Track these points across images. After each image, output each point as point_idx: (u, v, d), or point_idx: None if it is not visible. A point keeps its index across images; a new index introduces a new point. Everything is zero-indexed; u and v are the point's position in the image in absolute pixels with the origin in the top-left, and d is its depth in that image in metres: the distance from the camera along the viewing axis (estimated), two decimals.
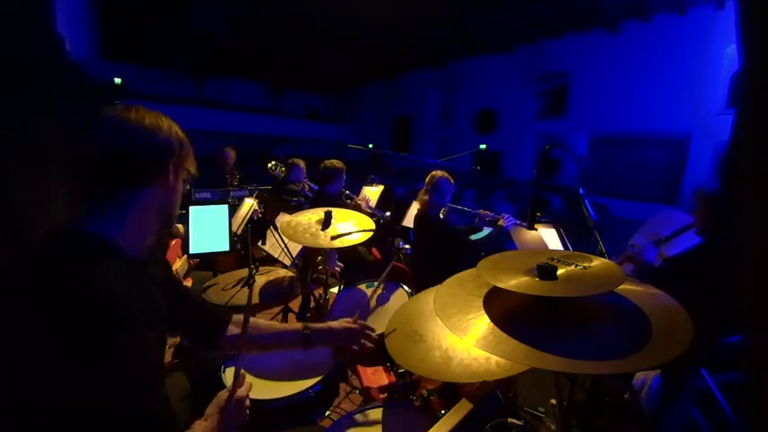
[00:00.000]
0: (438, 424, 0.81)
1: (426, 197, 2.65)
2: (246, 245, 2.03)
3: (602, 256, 1.48)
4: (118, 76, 9.15)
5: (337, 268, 2.19)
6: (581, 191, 1.97)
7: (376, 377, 1.56)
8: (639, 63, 8.90)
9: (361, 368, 1.63)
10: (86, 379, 0.63)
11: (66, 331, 0.62)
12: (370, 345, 1.15)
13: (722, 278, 1.15)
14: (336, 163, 3.17)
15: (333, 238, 1.77)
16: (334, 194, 3.18)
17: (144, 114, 0.76)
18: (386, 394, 1.49)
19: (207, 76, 12.99)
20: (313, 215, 1.94)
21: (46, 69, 1.40)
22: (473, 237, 2.77)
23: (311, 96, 16.34)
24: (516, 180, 10.79)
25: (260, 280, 1.96)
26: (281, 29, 9.74)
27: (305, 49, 10.94)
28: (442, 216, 2.74)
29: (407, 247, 3.48)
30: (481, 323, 0.82)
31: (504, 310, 0.85)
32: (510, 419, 1.08)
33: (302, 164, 4.00)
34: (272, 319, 2.73)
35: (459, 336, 0.80)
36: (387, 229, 3.19)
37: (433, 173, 2.67)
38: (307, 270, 2.39)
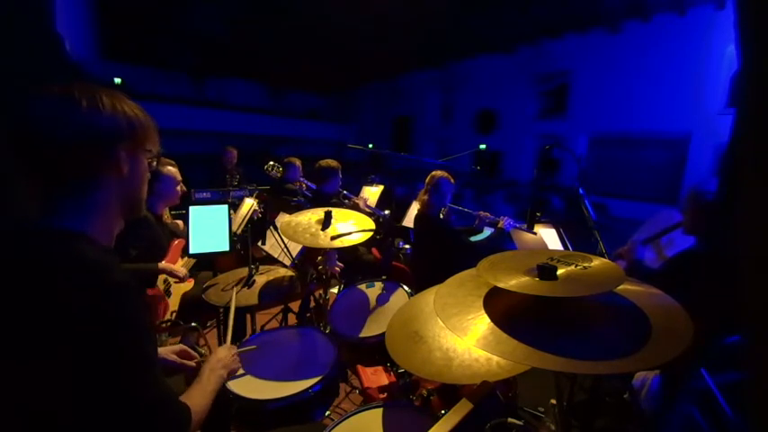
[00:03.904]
0: (438, 424, 0.81)
1: (426, 197, 2.65)
2: (246, 245, 2.03)
3: (602, 256, 1.48)
4: (118, 76, 9.15)
5: (337, 268, 2.19)
6: (581, 191, 1.98)
7: (376, 377, 1.56)
8: (639, 63, 8.88)
9: (361, 368, 1.63)
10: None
11: (114, 325, 0.62)
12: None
13: (720, 279, 1.15)
14: (331, 162, 3.18)
15: (333, 238, 1.78)
16: (331, 194, 3.19)
17: (81, 95, 0.66)
18: (386, 394, 1.49)
19: (207, 76, 12.97)
20: (313, 215, 1.94)
21: (46, 69, 1.40)
22: (473, 238, 2.77)
23: (311, 96, 16.31)
24: (516, 180, 10.79)
25: (260, 280, 1.96)
26: (282, 29, 9.74)
27: (305, 50, 10.94)
28: (441, 216, 2.74)
29: (407, 247, 3.49)
30: (481, 323, 0.82)
31: (504, 310, 0.86)
32: (510, 419, 1.08)
33: (298, 162, 3.99)
34: (271, 319, 2.73)
35: (460, 336, 0.80)
36: (387, 229, 3.19)
37: (434, 173, 2.68)
38: (307, 270, 2.39)
